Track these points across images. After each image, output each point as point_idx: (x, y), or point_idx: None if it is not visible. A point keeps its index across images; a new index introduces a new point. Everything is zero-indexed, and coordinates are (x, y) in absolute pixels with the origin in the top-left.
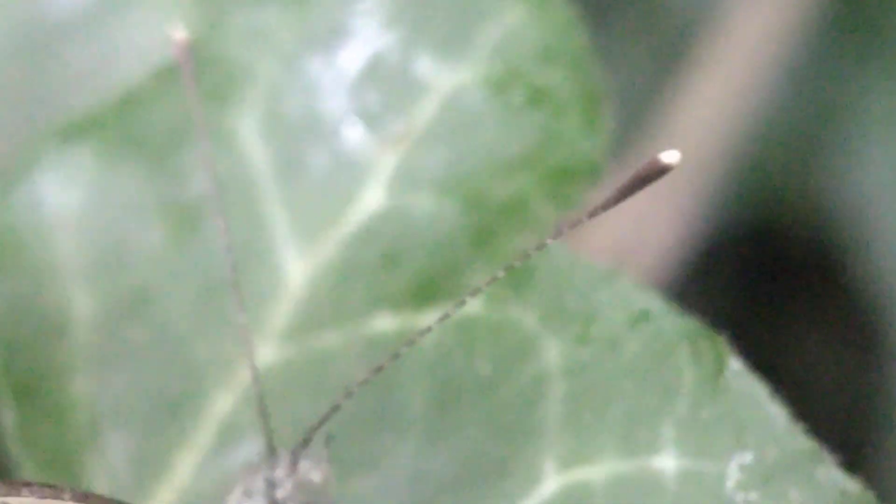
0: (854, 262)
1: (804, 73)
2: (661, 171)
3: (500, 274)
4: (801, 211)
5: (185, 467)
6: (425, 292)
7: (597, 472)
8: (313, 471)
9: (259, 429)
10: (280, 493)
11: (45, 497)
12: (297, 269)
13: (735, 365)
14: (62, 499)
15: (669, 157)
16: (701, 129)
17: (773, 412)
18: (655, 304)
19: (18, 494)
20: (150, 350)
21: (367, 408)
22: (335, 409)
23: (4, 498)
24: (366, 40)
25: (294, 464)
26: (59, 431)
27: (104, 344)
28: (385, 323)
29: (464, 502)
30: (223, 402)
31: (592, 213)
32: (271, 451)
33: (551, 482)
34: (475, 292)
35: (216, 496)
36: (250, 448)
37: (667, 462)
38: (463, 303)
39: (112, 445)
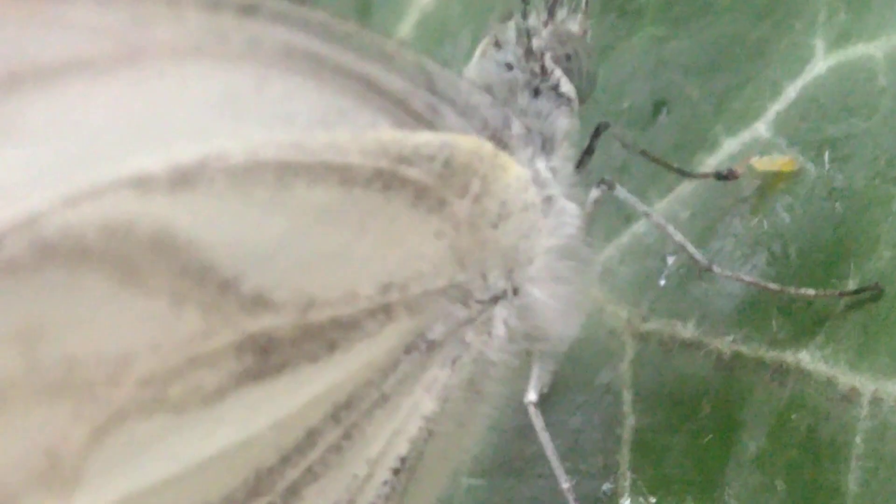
0: None
1: None
2: None
3: None
4: None
5: None
6: None
7: (876, 46)
8: (571, 20)
9: None
10: (536, 42)
11: None
12: None
13: None
14: None
15: None
16: None
17: None
18: None
19: None
20: None
21: None
22: None
23: None
24: None
25: (551, 11)
26: None
27: None
28: None
29: (717, 88)
30: None
31: None
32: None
33: (822, 59)
34: None
35: None
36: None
37: None
38: None
39: None
